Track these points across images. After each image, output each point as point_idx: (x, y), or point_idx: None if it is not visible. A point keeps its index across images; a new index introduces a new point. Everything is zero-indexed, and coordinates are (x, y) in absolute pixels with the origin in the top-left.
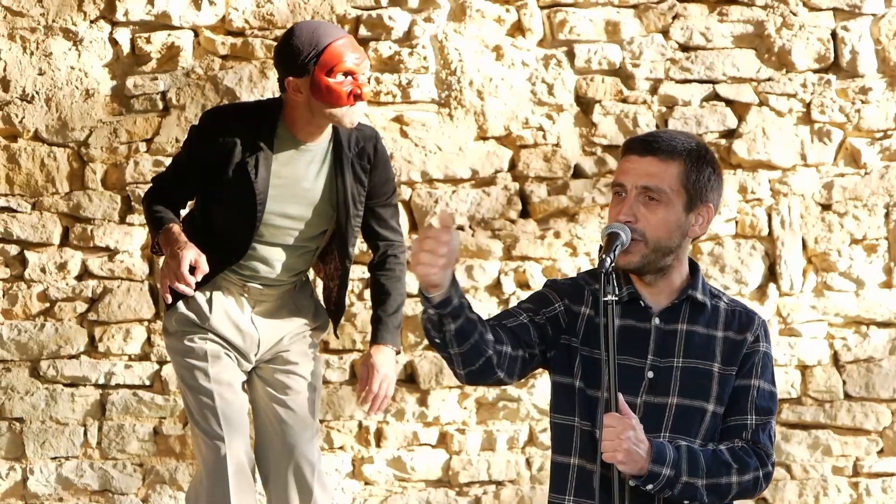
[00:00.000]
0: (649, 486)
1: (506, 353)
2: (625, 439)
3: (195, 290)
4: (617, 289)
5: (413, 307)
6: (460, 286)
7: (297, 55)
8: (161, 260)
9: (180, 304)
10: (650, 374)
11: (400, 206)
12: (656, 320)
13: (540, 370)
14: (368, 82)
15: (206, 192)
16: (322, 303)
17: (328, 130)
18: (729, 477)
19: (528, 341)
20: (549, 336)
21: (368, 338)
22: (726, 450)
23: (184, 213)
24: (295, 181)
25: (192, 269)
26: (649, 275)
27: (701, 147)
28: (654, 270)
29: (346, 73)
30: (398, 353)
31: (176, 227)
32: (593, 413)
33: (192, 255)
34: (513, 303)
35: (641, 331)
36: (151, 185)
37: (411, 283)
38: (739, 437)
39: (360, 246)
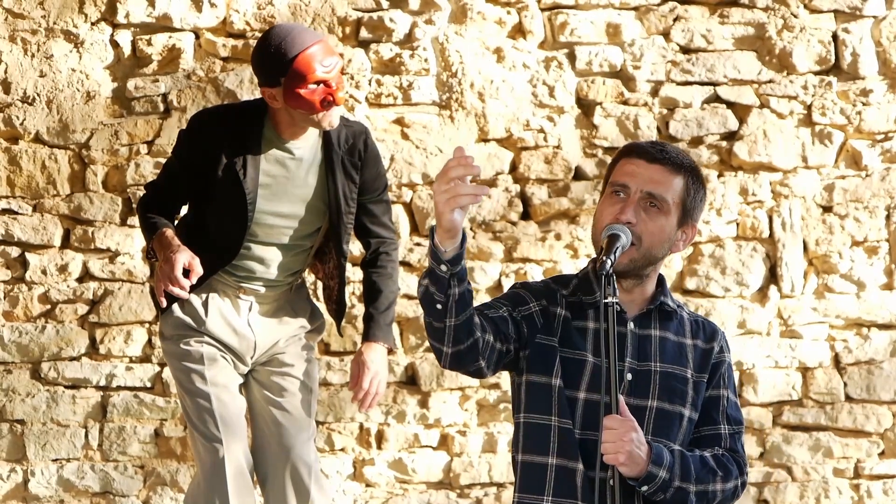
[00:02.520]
0: (644, 488)
1: (488, 342)
2: (627, 441)
3: (190, 294)
4: (596, 292)
5: (413, 309)
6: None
7: (267, 67)
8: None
9: (176, 307)
10: (629, 377)
11: (401, 207)
12: (631, 324)
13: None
14: (346, 86)
15: (198, 194)
16: (318, 306)
17: (315, 129)
18: (714, 484)
19: (506, 335)
20: (524, 335)
21: None
22: (711, 457)
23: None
24: (285, 179)
25: (187, 273)
26: (629, 280)
27: (698, 168)
28: (634, 276)
29: (316, 83)
30: (390, 350)
31: (169, 232)
32: (574, 412)
33: (185, 258)
34: None
35: (619, 334)
36: (144, 191)
37: (411, 283)
38: (717, 446)
39: (359, 248)
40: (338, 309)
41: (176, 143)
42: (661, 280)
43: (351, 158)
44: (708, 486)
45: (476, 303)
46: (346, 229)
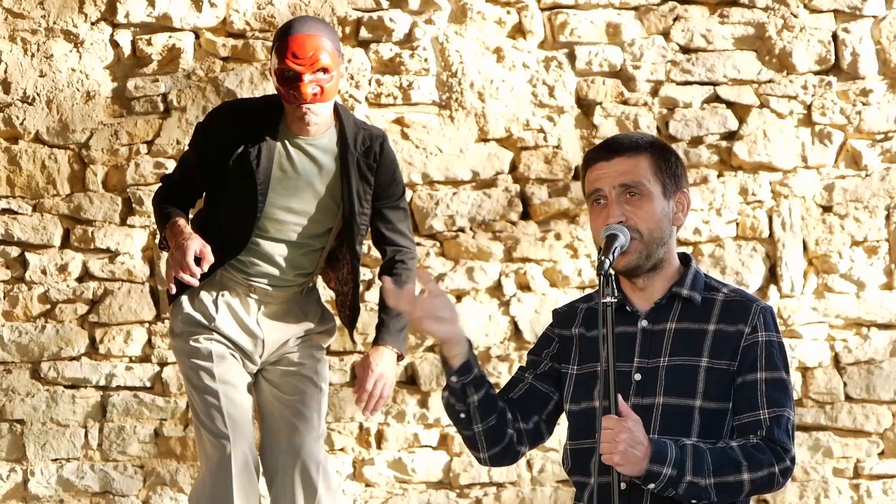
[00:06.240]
0: (650, 486)
1: (522, 430)
2: (620, 441)
3: (201, 290)
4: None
5: None
6: (473, 346)
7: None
8: (164, 255)
9: (186, 303)
10: (637, 377)
11: None
12: (643, 322)
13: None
14: (323, 84)
15: (212, 187)
16: (329, 309)
17: (332, 127)
18: (739, 475)
19: (538, 402)
20: (561, 372)
21: (370, 339)
22: (738, 447)
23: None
24: (298, 175)
25: (198, 260)
26: (643, 275)
27: (659, 139)
28: (649, 268)
29: (288, 71)
30: (401, 357)
31: (181, 221)
32: (576, 426)
33: (196, 245)
34: (513, 304)
35: (628, 335)
36: (160, 184)
37: (416, 287)
38: (754, 434)
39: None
40: (351, 315)
41: (192, 136)
42: (686, 261)
43: (366, 160)
44: (728, 478)
45: (476, 304)
46: (360, 230)
